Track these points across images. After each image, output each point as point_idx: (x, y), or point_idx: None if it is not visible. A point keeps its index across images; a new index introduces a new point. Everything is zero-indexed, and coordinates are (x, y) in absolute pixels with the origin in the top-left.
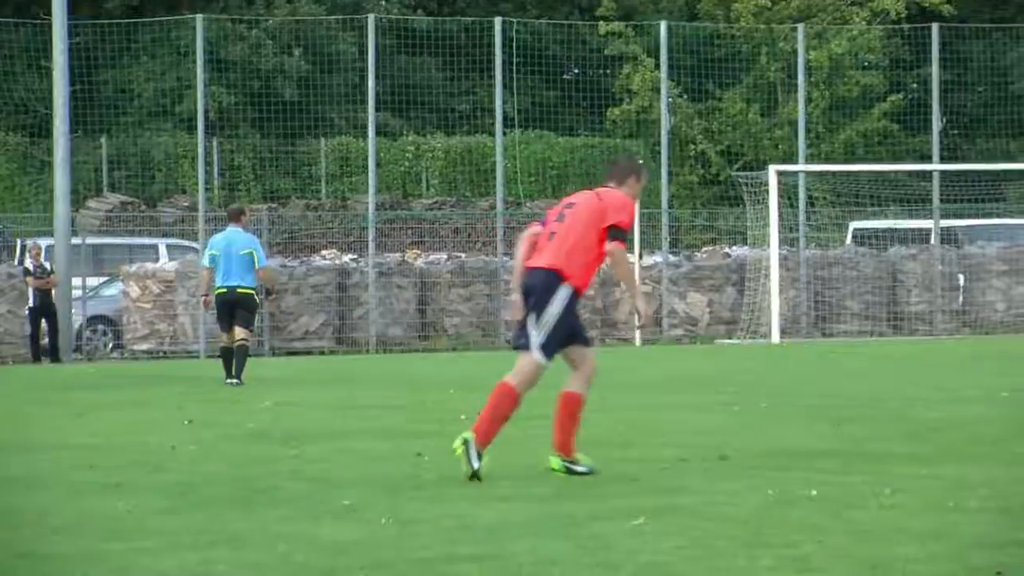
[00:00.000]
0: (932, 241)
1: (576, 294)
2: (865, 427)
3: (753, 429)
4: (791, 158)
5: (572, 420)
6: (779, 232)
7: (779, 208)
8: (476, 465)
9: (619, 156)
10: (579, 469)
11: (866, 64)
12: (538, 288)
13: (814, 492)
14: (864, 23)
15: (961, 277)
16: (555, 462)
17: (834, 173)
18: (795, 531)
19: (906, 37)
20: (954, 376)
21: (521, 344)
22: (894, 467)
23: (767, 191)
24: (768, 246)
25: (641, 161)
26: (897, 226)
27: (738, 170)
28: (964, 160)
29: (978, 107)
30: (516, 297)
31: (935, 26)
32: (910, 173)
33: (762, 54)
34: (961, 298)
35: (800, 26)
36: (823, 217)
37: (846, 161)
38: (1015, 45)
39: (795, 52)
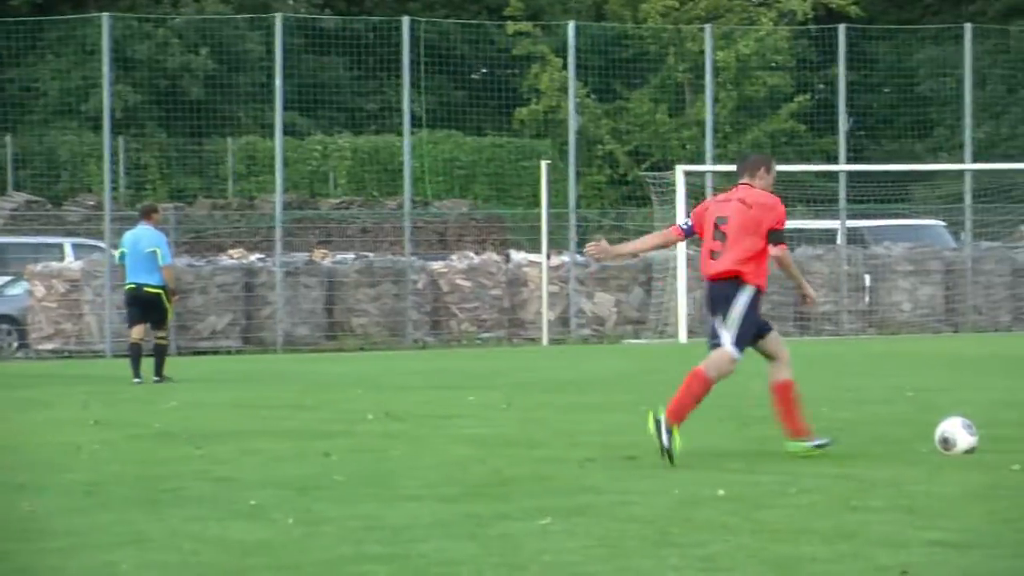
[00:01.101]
0: (838, 241)
1: (759, 292)
2: (771, 427)
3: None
4: (698, 158)
5: (794, 405)
6: None
7: (686, 208)
8: (667, 443)
9: (747, 152)
10: (821, 442)
11: (773, 65)
12: (721, 294)
13: (721, 492)
14: (771, 24)
15: (867, 277)
16: (794, 447)
17: None
18: (702, 531)
19: (813, 38)
20: (860, 376)
21: (714, 344)
22: (801, 467)
23: (674, 191)
24: (675, 246)
25: (768, 153)
26: (803, 226)
27: (646, 170)
28: (870, 161)
29: (884, 108)
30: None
31: (842, 27)
32: (817, 174)
33: (670, 54)
34: (867, 298)
35: (708, 27)
36: None
37: None
38: (921, 46)
39: (703, 53)
